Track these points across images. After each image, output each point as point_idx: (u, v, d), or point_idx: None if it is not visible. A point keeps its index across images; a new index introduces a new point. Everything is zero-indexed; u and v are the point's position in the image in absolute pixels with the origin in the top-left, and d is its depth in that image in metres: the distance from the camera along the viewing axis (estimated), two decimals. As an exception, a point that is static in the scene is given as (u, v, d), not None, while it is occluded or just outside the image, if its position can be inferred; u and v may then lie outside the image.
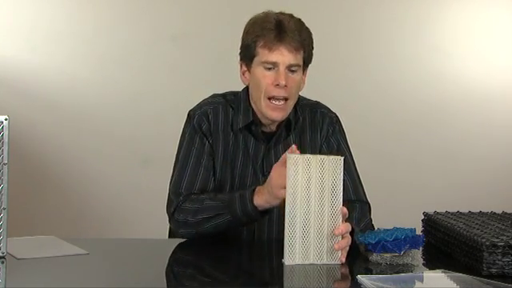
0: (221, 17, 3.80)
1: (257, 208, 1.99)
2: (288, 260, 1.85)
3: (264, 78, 2.11)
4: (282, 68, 2.09)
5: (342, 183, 1.88)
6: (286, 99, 2.12)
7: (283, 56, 2.08)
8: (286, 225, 1.85)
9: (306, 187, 1.85)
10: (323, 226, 1.86)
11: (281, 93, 2.10)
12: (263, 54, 2.10)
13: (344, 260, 1.87)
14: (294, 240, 1.85)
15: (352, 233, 1.92)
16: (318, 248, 1.86)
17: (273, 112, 2.13)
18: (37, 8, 3.73)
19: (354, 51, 3.94)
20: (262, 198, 1.98)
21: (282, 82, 2.08)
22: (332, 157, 1.88)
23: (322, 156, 1.88)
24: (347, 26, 3.95)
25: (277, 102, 2.11)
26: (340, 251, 1.86)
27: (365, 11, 3.96)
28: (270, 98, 2.11)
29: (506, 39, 4.02)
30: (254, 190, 2.01)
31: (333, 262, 1.86)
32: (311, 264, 1.85)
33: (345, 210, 1.89)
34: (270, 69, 2.10)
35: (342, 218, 1.88)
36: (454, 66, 4.00)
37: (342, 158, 1.88)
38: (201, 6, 3.84)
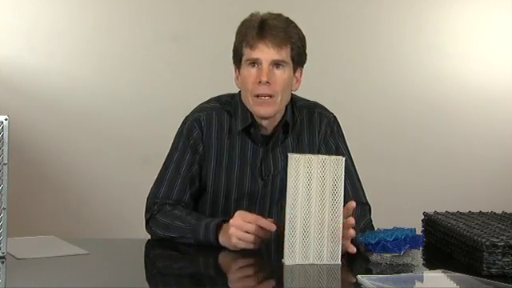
0: (221, 17, 3.79)
1: (218, 241, 2.00)
2: (288, 260, 1.85)
3: (248, 77, 2.10)
4: (265, 65, 2.08)
5: (342, 183, 1.88)
6: (271, 96, 2.10)
7: (263, 52, 2.07)
8: (286, 225, 1.85)
9: (306, 187, 1.85)
10: (324, 226, 1.86)
11: (265, 90, 2.09)
12: (246, 53, 2.10)
13: (354, 250, 1.88)
14: (294, 240, 1.85)
15: None
16: (318, 248, 1.86)
17: (260, 108, 2.11)
18: (37, 8, 3.73)
19: (354, 51, 3.94)
20: (224, 238, 1.99)
21: (264, 79, 2.07)
22: (333, 157, 1.88)
23: (324, 156, 1.88)
24: (347, 26, 3.94)
25: (263, 99, 2.10)
26: (340, 251, 1.87)
27: (365, 11, 3.96)
28: (255, 96, 2.11)
29: (506, 39, 4.02)
30: (220, 225, 2.00)
31: (333, 262, 1.86)
32: (311, 264, 1.85)
33: (353, 203, 1.91)
34: (253, 66, 2.10)
35: (348, 212, 1.89)
36: (454, 66, 4.00)
37: (344, 159, 1.89)
38: (201, 6, 3.84)
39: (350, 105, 3.73)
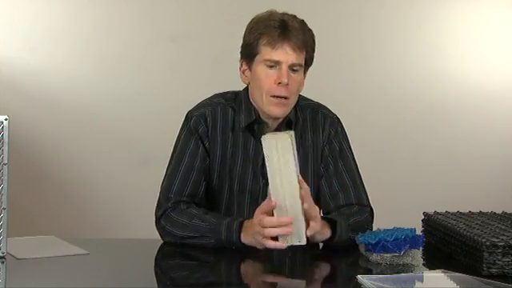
0: (221, 17, 3.79)
1: (241, 241, 1.99)
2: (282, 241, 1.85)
3: (266, 77, 2.10)
4: (284, 66, 2.07)
5: (292, 157, 1.87)
6: (286, 98, 2.11)
7: (287, 54, 2.07)
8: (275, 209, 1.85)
9: (278, 169, 1.86)
10: (297, 204, 1.87)
11: (282, 92, 2.09)
12: (266, 52, 2.09)
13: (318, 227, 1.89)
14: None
15: (335, 225, 1.96)
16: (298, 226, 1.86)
17: (275, 108, 2.11)
18: (37, 8, 3.73)
19: (353, 52, 3.94)
20: (247, 238, 1.97)
21: (285, 80, 2.07)
22: (281, 133, 1.90)
23: (276, 133, 1.92)
24: (347, 27, 3.94)
25: (278, 99, 2.10)
26: (304, 230, 1.86)
27: (365, 11, 3.96)
28: (271, 96, 2.11)
29: (505, 39, 4.02)
30: (241, 223, 1.99)
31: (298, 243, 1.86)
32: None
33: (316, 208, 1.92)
34: (272, 67, 2.09)
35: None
36: (453, 66, 4.00)
37: (289, 133, 1.88)
38: (201, 6, 3.84)
39: (350, 105, 3.73)
